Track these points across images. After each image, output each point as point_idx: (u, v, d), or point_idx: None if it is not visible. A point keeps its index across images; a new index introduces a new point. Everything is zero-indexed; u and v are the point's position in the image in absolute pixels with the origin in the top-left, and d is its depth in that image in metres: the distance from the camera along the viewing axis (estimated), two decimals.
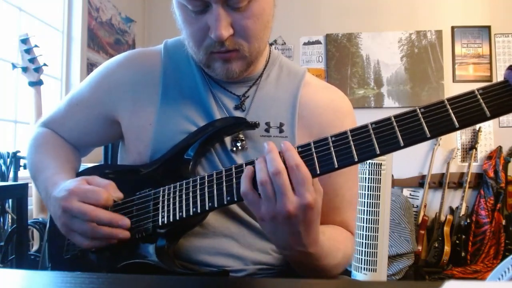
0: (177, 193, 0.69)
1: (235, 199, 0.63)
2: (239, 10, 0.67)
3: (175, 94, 0.80)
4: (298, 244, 0.62)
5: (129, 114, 0.81)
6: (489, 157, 3.22)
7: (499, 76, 3.33)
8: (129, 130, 0.82)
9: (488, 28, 3.35)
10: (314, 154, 0.59)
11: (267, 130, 0.78)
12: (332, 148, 0.59)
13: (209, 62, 0.73)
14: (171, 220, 0.67)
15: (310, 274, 0.71)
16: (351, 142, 0.58)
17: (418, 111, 0.56)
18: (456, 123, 0.54)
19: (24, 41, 1.95)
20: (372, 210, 1.81)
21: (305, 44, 3.51)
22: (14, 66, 1.95)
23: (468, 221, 3.11)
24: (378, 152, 0.56)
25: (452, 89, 3.34)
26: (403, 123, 0.56)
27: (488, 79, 3.33)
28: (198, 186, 0.67)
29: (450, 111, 0.54)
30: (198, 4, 0.67)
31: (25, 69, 1.94)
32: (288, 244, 0.62)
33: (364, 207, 1.82)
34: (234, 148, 0.76)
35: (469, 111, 0.54)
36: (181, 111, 0.78)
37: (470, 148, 3.28)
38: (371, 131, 0.57)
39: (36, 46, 1.96)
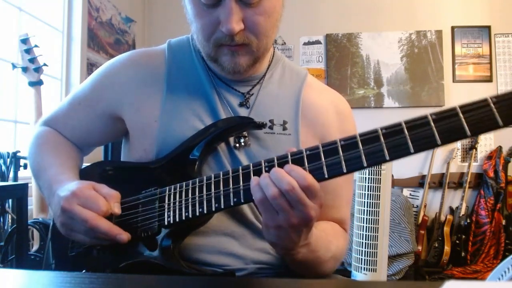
0: (183, 193, 0.68)
1: (242, 201, 0.63)
2: (251, 6, 0.68)
3: (180, 91, 0.80)
4: (301, 241, 0.63)
5: (133, 111, 0.81)
6: (489, 157, 3.22)
7: (499, 76, 3.33)
8: (134, 127, 0.82)
9: (488, 28, 3.35)
10: (323, 158, 0.59)
11: (270, 128, 0.78)
12: (341, 153, 0.59)
13: (217, 56, 0.73)
14: (177, 220, 0.67)
15: (307, 270, 0.72)
16: (360, 147, 0.57)
17: (430, 118, 0.55)
18: (468, 132, 0.53)
19: (24, 41, 1.95)
20: (372, 210, 1.81)
21: (305, 44, 3.51)
22: (14, 66, 1.95)
23: (468, 221, 3.11)
24: (388, 159, 0.56)
25: (452, 89, 3.34)
26: (413, 130, 0.55)
27: (488, 79, 3.33)
28: (204, 187, 0.67)
29: (463, 119, 0.53)
30: None
31: (25, 69, 1.94)
32: (293, 243, 0.63)
33: (364, 207, 1.82)
34: (237, 145, 0.77)
35: (481, 119, 0.53)
36: (187, 107, 0.79)
37: (470, 148, 3.28)
38: (381, 136, 0.57)
39: (36, 46, 1.96)
